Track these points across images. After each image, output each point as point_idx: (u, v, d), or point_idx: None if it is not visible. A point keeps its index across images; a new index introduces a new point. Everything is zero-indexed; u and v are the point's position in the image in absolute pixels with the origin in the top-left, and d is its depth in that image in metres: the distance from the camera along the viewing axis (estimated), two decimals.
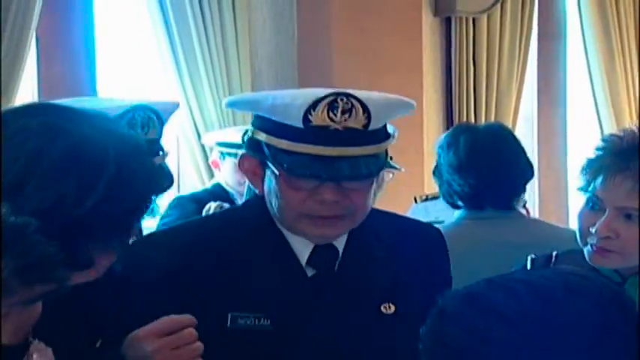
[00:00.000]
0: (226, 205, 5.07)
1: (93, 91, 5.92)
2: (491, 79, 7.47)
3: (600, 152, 2.94)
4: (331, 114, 2.49)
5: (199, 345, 2.44)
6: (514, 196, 3.97)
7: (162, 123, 2.82)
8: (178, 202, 5.43)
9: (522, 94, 7.70)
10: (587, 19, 8.11)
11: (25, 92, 5.49)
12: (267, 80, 6.51)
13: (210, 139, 5.77)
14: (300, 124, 2.50)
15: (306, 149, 2.50)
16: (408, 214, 5.22)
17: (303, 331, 2.53)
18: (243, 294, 2.58)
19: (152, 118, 2.77)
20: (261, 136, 2.59)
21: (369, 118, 2.51)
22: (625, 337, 1.88)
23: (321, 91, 2.53)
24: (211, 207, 5.01)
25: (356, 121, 2.50)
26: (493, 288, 1.93)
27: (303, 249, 2.63)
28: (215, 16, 6.18)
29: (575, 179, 3.06)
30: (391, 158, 3.89)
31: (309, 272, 2.63)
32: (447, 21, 7.38)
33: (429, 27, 7.18)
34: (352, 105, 2.50)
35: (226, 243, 2.64)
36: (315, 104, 2.49)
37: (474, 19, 7.39)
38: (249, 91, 6.28)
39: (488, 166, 3.91)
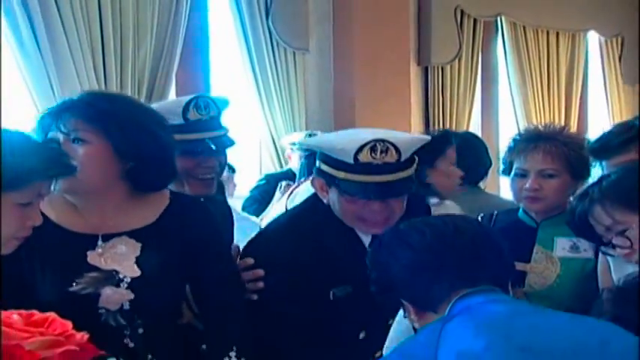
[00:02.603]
0: (292, 183, 5.08)
1: None
2: (453, 105, 7.41)
3: (515, 143, 2.98)
4: (373, 154, 2.35)
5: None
6: (485, 175, 4.04)
7: (218, 106, 2.65)
8: (265, 178, 5.48)
9: (472, 114, 7.67)
10: (511, 69, 8.07)
11: None
12: (313, 102, 6.46)
13: (285, 141, 5.79)
14: (351, 161, 2.36)
15: (357, 178, 2.37)
16: None
17: (369, 290, 2.38)
18: (335, 273, 2.48)
19: (210, 102, 2.61)
20: (325, 168, 2.44)
21: (399, 154, 2.37)
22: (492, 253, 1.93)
23: (365, 138, 2.38)
24: (282, 184, 5.02)
25: (391, 157, 2.37)
26: (412, 226, 1.97)
27: (365, 236, 2.52)
28: (283, 65, 6.18)
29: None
30: None
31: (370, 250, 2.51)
32: (425, 69, 7.31)
33: (414, 73, 7.09)
34: (387, 147, 2.36)
35: (320, 239, 2.49)
36: (361, 148, 2.35)
37: (442, 67, 7.33)
38: (303, 107, 6.33)
39: (472, 149, 4.00)
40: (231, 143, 2.71)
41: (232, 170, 5.78)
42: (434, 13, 7.24)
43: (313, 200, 2.61)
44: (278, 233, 2.61)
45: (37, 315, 1.56)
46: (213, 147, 2.61)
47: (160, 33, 5.33)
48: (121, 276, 2.15)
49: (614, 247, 2.08)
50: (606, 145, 2.57)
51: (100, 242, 2.17)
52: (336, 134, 2.63)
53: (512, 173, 2.95)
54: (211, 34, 6.02)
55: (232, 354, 2.23)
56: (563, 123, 7.72)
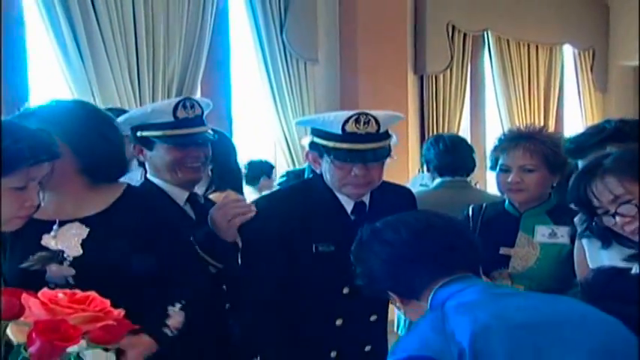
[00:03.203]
0: None
1: (229, 116, 5.94)
2: (445, 110, 7.41)
3: (500, 141, 2.98)
4: (357, 125, 2.45)
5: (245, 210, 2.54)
6: (471, 170, 4.04)
7: (201, 107, 2.71)
8: (286, 174, 5.44)
9: (462, 117, 7.66)
10: (496, 77, 8.06)
11: None
12: (322, 107, 6.38)
13: (305, 141, 5.75)
14: (339, 132, 2.46)
15: (344, 146, 2.47)
16: (411, 178, 5.24)
17: (350, 251, 2.45)
18: (319, 232, 2.54)
19: (195, 103, 2.68)
20: (318, 140, 2.54)
21: (378, 125, 2.48)
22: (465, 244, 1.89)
23: (351, 112, 2.49)
24: None
25: (371, 128, 2.47)
26: (387, 224, 1.93)
27: (348, 204, 2.59)
28: (295, 74, 6.15)
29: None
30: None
31: (352, 217, 2.59)
32: (421, 77, 7.31)
33: (411, 81, 7.09)
34: (369, 119, 2.46)
35: (308, 203, 2.58)
36: (348, 119, 2.45)
37: (435, 76, 7.34)
38: (313, 111, 6.27)
39: (461, 151, 4.00)
40: (213, 137, 2.77)
41: (271, 167, 5.76)
42: (428, 28, 7.25)
43: (307, 179, 2.79)
44: (274, 197, 2.77)
45: (80, 294, 1.56)
46: (198, 140, 2.67)
47: (187, 46, 5.34)
48: (65, 255, 2.22)
49: (614, 216, 2.03)
50: (581, 146, 2.56)
51: (55, 227, 2.24)
52: (326, 113, 2.72)
53: (497, 169, 2.96)
54: (232, 46, 6.03)
55: (177, 305, 2.28)
56: (542, 124, 7.73)
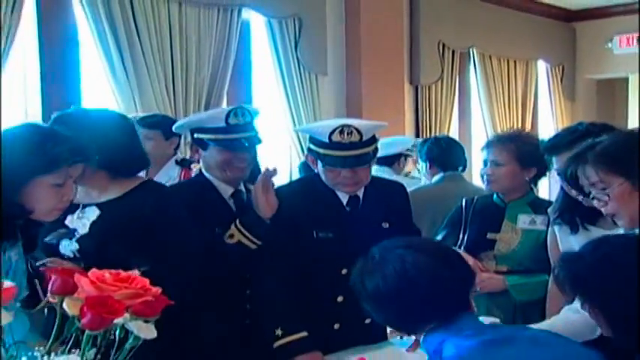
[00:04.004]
0: None
1: None
2: (437, 116, 7.36)
3: (487, 142, 3.04)
4: (341, 135, 2.43)
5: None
6: (466, 166, 4.05)
7: (251, 114, 2.70)
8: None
9: (451, 122, 7.59)
10: (480, 88, 7.98)
11: None
12: (331, 114, 6.32)
13: None
14: (327, 141, 2.45)
15: (332, 153, 2.47)
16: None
17: (346, 237, 2.48)
18: (319, 220, 2.54)
19: (245, 111, 2.67)
20: (312, 146, 2.54)
21: (361, 135, 2.45)
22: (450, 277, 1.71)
23: (336, 123, 2.47)
24: None
25: (354, 137, 2.44)
26: (377, 265, 1.74)
27: (344, 197, 2.57)
28: (307, 86, 6.11)
29: (475, 161, 3.14)
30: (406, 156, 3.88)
31: (347, 208, 2.58)
32: (416, 87, 7.26)
33: (407, 90, 7.05)
34: (352, 130, 2.44)
35: (310, 196, 2.58)
36: (333, 131, 2.44)
37: (428, 87, 7.29)
38: (324, 117, 6.16)
39: (457, 149, 4.01)
40: (259, 142, 2.75)
41: None
42: (422, 45, 7.22)
43: (309, 175, 2.75)
44: (283, 190, 2.71)
45: (123, 273, 1.56)
46: (246, 144, 2.66)
47: (215, 61, 5.35)
48: (76, 233, 2.27)
49: (593, 198, 2.01)
50: (557, 145, 2.56)
51: (79, 210, 2.28)
52: (319, 122, 2.69)
53: (483, 164, 3.00)
54: (253, 61, 6.01)
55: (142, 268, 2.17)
56: (520, 128, 7.72)
